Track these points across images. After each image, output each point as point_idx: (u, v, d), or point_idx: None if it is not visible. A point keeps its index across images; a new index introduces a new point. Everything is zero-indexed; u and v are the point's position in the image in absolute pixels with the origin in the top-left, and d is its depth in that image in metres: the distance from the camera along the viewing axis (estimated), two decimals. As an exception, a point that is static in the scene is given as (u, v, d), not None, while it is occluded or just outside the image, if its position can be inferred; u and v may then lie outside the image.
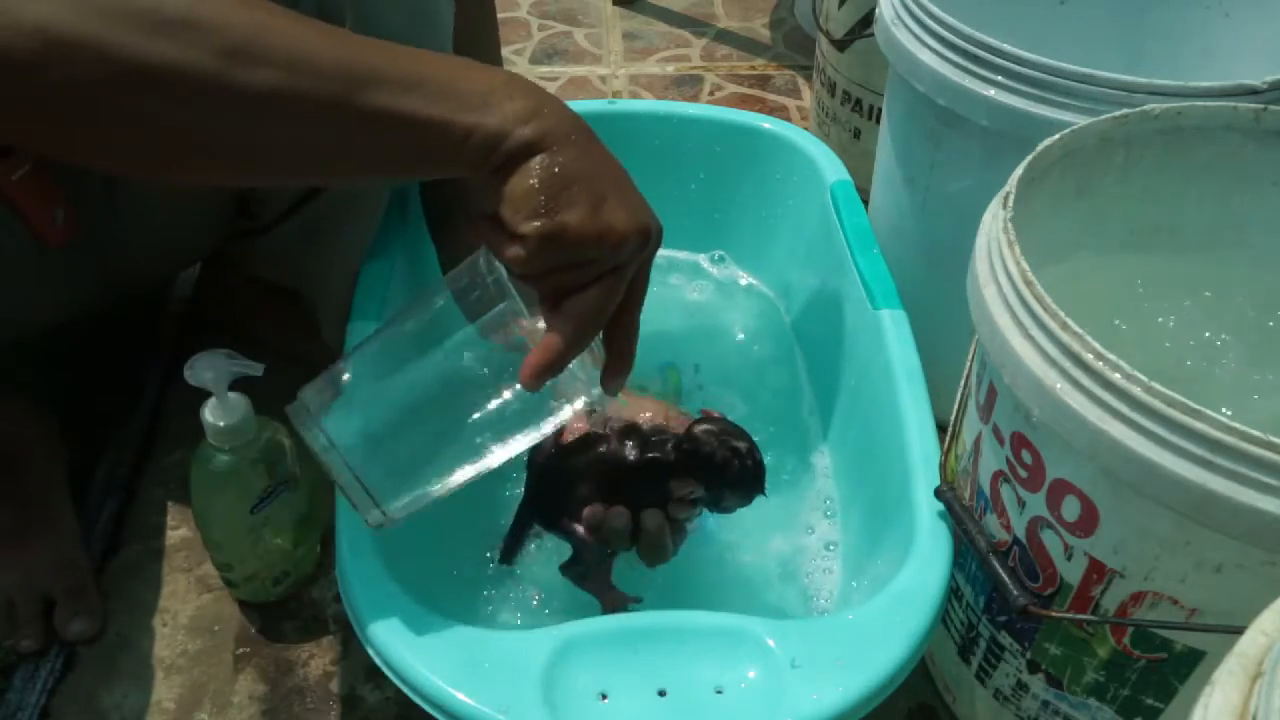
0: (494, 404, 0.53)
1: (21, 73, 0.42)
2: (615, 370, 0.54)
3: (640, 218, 0.50)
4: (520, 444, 0.55)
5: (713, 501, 0.62)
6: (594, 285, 0.50)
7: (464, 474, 0.54)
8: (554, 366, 0.50)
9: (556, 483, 0.63)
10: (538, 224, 0.47)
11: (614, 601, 0.64)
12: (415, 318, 0.54)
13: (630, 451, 0.61)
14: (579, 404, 0.55)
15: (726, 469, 0.61)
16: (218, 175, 0.52)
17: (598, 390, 0.55)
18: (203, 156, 0.48)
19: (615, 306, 0.52)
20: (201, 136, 0.46)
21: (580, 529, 0.61)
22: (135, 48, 0.42)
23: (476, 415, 0.53)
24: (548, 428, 0.55)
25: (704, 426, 0.62)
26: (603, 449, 0.61)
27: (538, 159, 0.48)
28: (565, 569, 0.65)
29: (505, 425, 0.54)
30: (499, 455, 0.54)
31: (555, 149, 0.48)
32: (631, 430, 0.62)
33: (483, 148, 0.48)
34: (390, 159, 0.49)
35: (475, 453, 0.54)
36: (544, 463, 0.64)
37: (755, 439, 0.63)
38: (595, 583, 0.64)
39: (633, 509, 0.60)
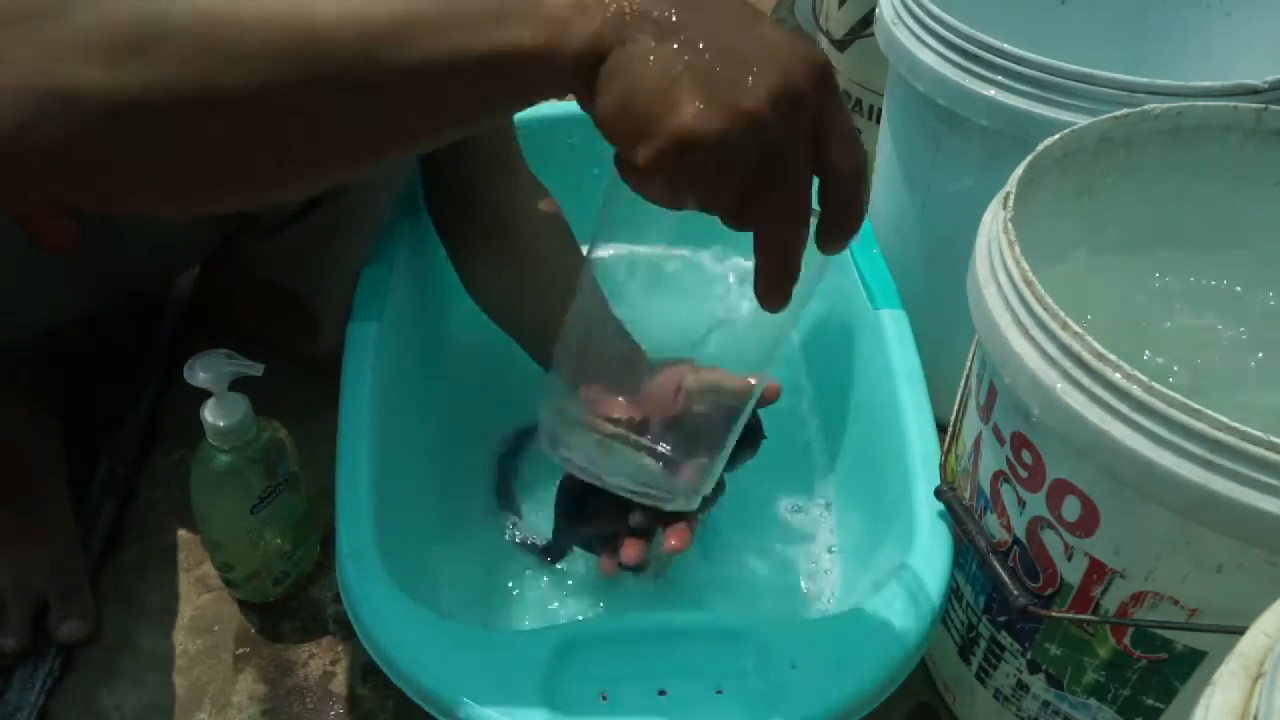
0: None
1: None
2: (842, 229, 0.43)
3: (778, 68, 0.38)
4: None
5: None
6: (767, 183, 0.39)
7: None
8: (787, 276, 0.41)
9: (576, 504, 0.63)
10: (647, 150, 0.38)
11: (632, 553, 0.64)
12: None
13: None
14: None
15: None
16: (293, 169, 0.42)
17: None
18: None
19: (804, 185, 0.40)
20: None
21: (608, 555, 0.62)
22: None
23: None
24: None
25: None
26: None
27: (608, 63, 0.38)
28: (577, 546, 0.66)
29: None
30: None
31: (628, 39, 0.37)
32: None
33: (571, 63, 0.38)
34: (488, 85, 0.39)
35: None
36: (569, 483, 0.65)
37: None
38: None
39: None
